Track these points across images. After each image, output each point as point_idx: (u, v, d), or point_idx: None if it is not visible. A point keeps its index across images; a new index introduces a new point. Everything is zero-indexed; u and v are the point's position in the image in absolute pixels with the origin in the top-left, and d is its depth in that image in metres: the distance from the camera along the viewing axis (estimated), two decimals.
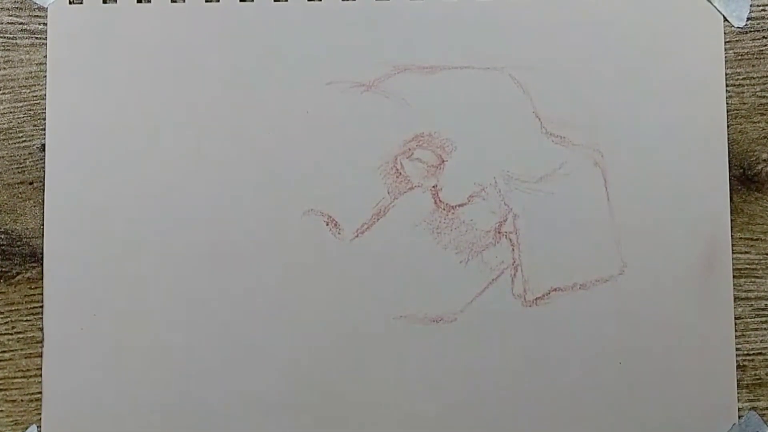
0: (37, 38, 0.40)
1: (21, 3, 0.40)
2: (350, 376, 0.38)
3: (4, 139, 0.39)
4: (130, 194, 0.39)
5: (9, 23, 0.40)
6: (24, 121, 0.39)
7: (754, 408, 0.39)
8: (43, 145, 0.39)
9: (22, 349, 0.39)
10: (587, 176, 0.40)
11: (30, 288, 0.39)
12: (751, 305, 0.39)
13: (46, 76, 0.39)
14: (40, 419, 0.38)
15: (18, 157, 0.39)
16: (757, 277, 0.40)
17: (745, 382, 0.39)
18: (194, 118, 0.39)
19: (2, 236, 0.39)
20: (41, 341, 0.39)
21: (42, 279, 0.39)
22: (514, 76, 0.40)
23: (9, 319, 0.39)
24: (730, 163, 0.40)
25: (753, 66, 0.40)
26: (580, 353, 0.39)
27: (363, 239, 0.39)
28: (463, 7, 0.40)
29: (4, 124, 0.39)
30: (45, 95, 0.39)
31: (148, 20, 0.39)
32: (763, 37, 0.40)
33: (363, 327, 0.37)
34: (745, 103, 0.40)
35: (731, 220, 0.40)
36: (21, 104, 0.39)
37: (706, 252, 0.39)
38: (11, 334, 0.39)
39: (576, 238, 0.39)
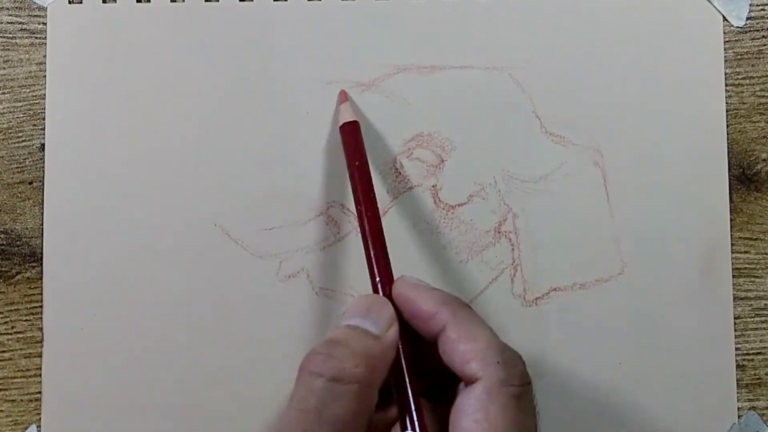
0: (36, 38, 0.39)
1: (21, 3, 0.40)
2: None
3: (3, 139, 0.39)
4: (130, 194, 0.39)
5: (9, 23, 0.40)
6: (23, 121, 0.39)
7: (753, 408, 0.39)
8: (43, 145, 0.39)
9: (21, 349, 0.39)
10: (587, 176, 0.40)
11: (29, 288, 0.39)
12: (751, 305, 0.40)
13: (45, 76, 0.39)
14: (40, 419, 0.38)
15: (17, 156, 0.39)
16: (756, 277, 0.40)
17: (745, 382, 0.39)
18: (194, 117, 0.39)
19: (2, 236, 0.39)
20: (41, 341, 0.39)
21: (41, 279, 0.39)
22: (514, 76, 0.40)
23: (8, 318, 0.39)
24: (729, 163, 0.40)
25: (752, 66, 0.40)
26: (579, 353, 0.39)
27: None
28: (463, 7, 0.40)
29: (3, 123, 0.39)
30: (44, 95, 0.39)
31: (148, 20, 0.39)
32: (763, 36, 0.40)
33: None
34: (744, 103, 0.40)
35: (731, 220, 0.40)
36: (20, 104, 0.39)
37: (706, 252, 0.39)
38: (11, 333, 0.39)
39: (576, 238, 0.39)
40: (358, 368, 0.28)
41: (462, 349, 0.29)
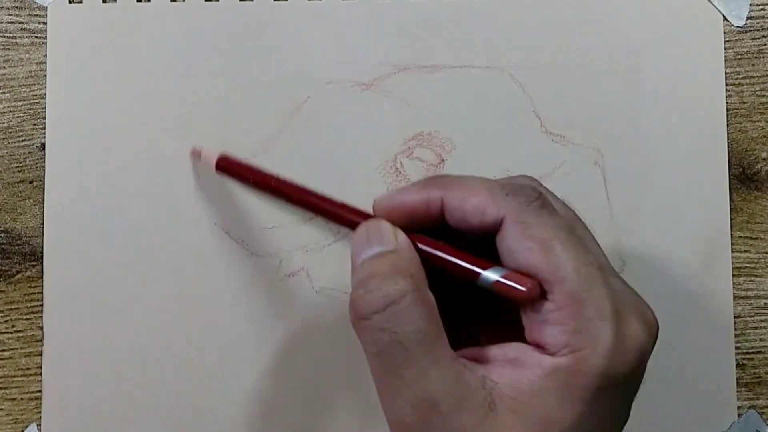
0: (36, 37, 0.40)
1: (21, 2, 0.40)
2: (350, 377, 0.38)
3: (3, 138, 0.39)
4: (130, 193, 0.39)
5: (9, 22, 0.40)
6: (24, 120, 0.39)
7: (753, 406, 0.39)
8: (43, 144, 0.39)
9: (21, 348, 0.39)
10: (587, 176, 0.40)
11: (30, 287, 0.39)
12: (751, 304, 0.40)
13: (45, 76, 0.39)
14: (40, 418, 0.38)
15: (18, 156, 0.39)
16: (756, 276, 0.40)
17: (745, 381, 0.39)
18: (194, 117, 0.39)
19: (2, 235, 0.39)
20: (41, 340, 0.39)
21: (42, 278, 0.39)
22: (514, 75, 0.40)
23: (9, 317, 0.39)
24: (729, 162, 0.40)
25: (753, 65, 0.40)
26: None
27: None
28: (463, 7, 0.40)
29: (4, 123, 0.39)
30: (45, 94, 0.39)
31: (148, 20, 0.39)
32: (763, 36, 0.40)
33: None
34: (744, 103, 0.40)
35: (731, 219, 0.40)
36: (21, 103, 0.39)
37: (706, 251, 0.39)
38: (11, 332, 0.39)
39: None
40: (398, 283, 0.27)
41: (470, 206, 0.28)
